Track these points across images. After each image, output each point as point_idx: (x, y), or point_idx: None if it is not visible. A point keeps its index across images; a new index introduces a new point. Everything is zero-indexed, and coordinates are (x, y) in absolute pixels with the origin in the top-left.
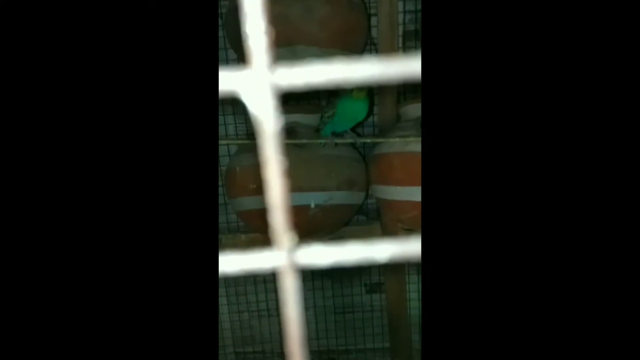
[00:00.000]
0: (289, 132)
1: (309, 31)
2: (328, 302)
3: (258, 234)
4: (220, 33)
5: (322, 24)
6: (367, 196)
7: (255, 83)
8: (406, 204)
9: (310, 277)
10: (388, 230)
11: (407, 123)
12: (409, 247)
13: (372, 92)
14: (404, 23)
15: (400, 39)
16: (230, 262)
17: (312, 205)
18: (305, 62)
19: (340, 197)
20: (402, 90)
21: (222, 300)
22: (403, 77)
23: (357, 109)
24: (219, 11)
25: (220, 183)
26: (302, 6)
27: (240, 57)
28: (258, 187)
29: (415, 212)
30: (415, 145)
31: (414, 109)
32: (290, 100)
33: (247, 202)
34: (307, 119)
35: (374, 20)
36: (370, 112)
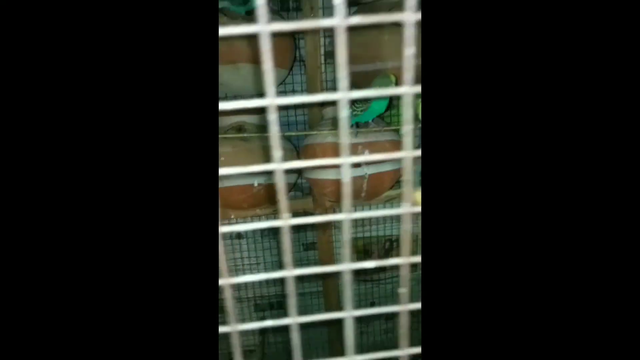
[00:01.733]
0: (238, 129)
1: (246, 52)
2: (274, 258)
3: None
4: None
5: (256, 46)
6: (299, 177)
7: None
8: (326, 182)
9: (261, 240)
10: (317, 202)
11: (327, 121)
12: None
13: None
14: (325, 45)
15: (323, 57)
16: None
17: (256, 184)
18: (246, 77)
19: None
20: None
21: None
22: None
23: (384, 105)
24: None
25: None
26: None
27: None
28: None
29: (332, 188)
30: (331, 137)
31: (332, 111)
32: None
33: None
34: (251, 119)
35: (302, 42)
36: (388, 108)
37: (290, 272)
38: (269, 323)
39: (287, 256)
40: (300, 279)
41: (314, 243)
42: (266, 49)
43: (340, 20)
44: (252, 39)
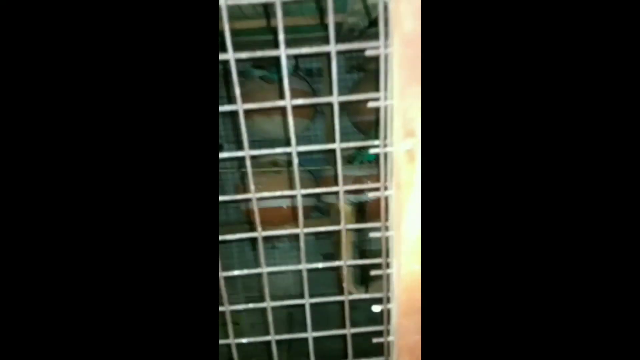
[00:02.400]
0: (274, 164)
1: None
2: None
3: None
4: None
5: None
6: (319, 201)
7: None
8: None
9: (289, 250)
10: (332, 220)
11: None
12: None
13: None
14: None
15: None
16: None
17: (285, 207)
18: (278, 126)
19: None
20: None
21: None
22: None
23: None
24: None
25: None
26: (276, 90)
27: None
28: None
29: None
30: (344, 171)
31: (344, 151)
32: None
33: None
34: (284, 156)
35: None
36: None
37: (264, 270)
38: (250, 305)
39: (261, 258)
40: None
41: (332, 254)
42: (241, 118)
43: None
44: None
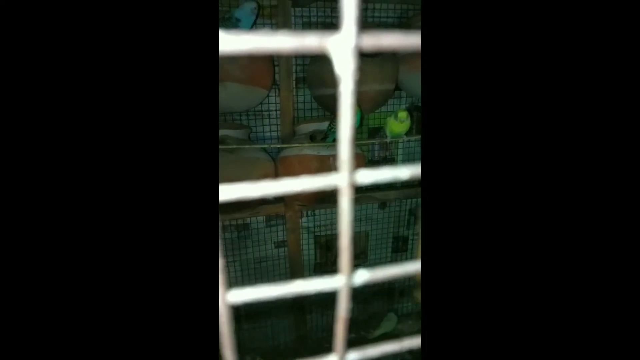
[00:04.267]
0: (221, 142)
1: (234, 73)
2: (249, 255)
3: None
4: None
5: (242, 68)
6: None
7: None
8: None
9: (237, 240)
10: (288, 206)
11: (300, 136)
12: None
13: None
14: (296, 72)
15: (294, 82)
16: None
17: None
18: (232, 95)
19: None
20: (296, 115)
21: None
22: None
23: (357, 122)
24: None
25: None
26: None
27: None
28: None
29: (304, 194)
30: (306, 150)
31: (304, 127)
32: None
33: None
34: (234, 133)
35: (277, 68)
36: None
37: None
38: None
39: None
40: (272, 273)
41: (284, 241)
42: None
43: None
44: (239, 60)
